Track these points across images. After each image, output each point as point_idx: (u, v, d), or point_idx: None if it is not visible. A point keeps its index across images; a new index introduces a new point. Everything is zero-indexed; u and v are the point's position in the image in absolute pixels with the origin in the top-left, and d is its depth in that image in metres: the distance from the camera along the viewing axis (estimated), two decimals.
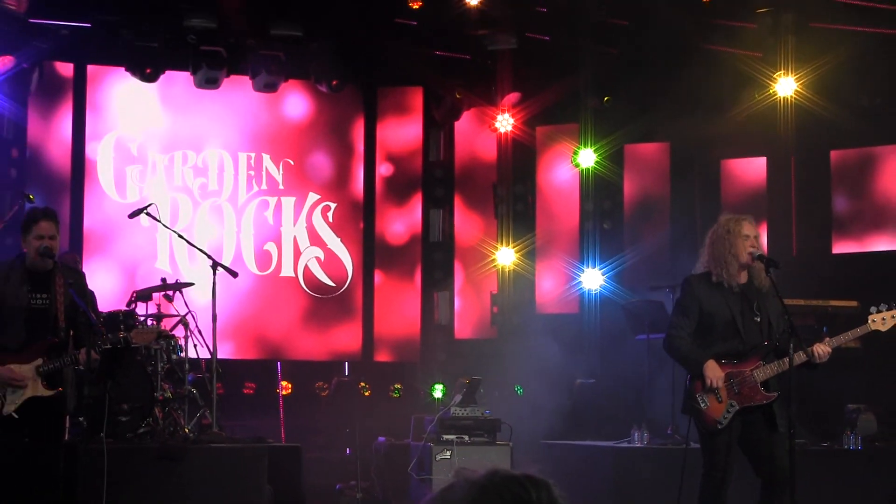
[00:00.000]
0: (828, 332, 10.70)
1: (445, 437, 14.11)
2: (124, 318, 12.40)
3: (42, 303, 10.10)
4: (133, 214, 14.08)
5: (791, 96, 15.70)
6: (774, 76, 15.67)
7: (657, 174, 17.71)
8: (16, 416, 9.96)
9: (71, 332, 10.17)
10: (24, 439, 10.11)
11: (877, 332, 9.73)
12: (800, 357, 9.45)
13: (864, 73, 16.09)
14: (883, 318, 9.65)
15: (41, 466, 10.13)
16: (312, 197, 17.72)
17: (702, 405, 9.56)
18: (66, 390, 10.23)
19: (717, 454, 9.62)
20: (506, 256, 17.44)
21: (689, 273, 10.08)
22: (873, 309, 9.74)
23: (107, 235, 16.68)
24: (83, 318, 10.18)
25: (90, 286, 11.55)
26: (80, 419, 11.89)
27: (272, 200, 17.53)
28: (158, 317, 13.84)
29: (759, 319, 9.70)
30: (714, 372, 9.48)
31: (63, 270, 10.29)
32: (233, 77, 16.75)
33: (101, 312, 12.30)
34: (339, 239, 17.78)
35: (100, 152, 16.82)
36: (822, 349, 9.41)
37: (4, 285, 10.04)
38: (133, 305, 13.91)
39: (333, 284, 17.73)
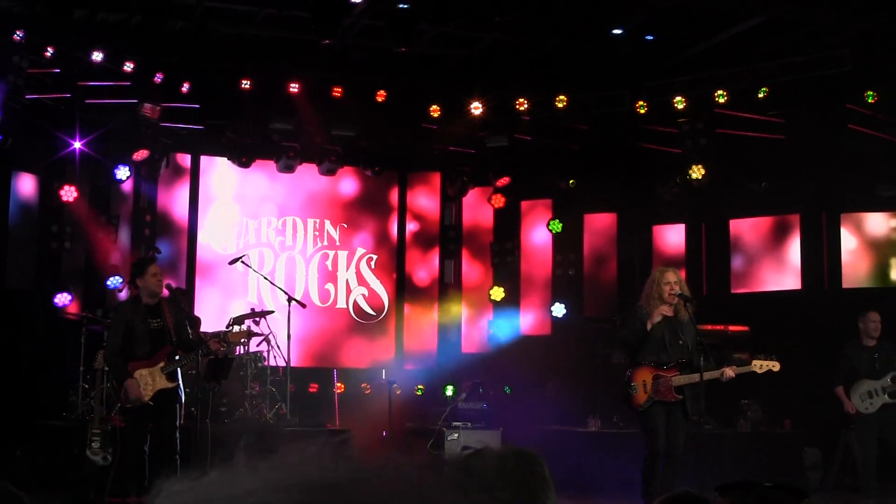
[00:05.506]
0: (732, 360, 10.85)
1: (454, 423, 14.17)
2: (223, 336, 12.49)
3: (157, 324, 10.34)
4: (232, 262, 14.24)
5: (702, 181, 15.74)
6: (691, 166, 15.70)
7: (607, 236, 17.74)
8: (151, 403, 10.17)
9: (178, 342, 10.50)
10: (150, 424, 10.28)
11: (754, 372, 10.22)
12: (712, 375, 9.80)
13: (754, 165, 16.18)
14: (760, 365, 10.17)
15: (165, 442, 10.26)
16: (360, 251, 17.76)
17: (632, 392, 9.98)
18: (180, 385, 10.46)
19: (656, 433, 9.90)
20: (498, 294, 17.43)
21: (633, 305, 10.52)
22: (757, 356, 10.21)
23: (212, 276, 16.74)
24: (184, 335, 10.47)
25: (200, 313, 11.70)
26: (192, 409, 12.00)
27: (331, 253, 17.58)
28: (249, 334, 13.90)
29: (681, 342, 9.96)
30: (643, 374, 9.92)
31: (165, 301, 10.60)
32: (304, 164, 16.80)
33: (207, 333, 12.43)
34: (378, 281, 17.81)
35: (208, 217, 16.92)
36: (729, 373, 9.87)
37: (132, 317, 10.32)
38: (230, 327, 14.00)
39: (374, 314, 17.74)
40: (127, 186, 16.05)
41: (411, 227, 18.19)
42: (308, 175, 17.18)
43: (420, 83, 16.11)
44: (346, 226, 17.71)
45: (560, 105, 15.89)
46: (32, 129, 14.86)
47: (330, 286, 17.50)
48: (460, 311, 18.01)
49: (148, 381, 10.22)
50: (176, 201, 16.81)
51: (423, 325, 17.99)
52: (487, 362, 17.26)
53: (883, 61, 14.50)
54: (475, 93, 15.95)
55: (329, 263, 17.53)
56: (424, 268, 18.24)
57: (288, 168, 16.62)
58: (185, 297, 14.64)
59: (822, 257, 16.35)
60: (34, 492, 11.21)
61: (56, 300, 14.81)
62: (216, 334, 12.33)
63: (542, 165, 17.30)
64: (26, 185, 15.51)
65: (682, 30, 14.54)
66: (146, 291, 10.41)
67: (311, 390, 16.24)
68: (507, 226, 18.00)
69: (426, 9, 13.64)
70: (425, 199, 18.29)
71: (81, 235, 15.41)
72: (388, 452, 13.80)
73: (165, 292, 10.68)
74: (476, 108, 15.93)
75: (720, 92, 15.31)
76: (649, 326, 10.03)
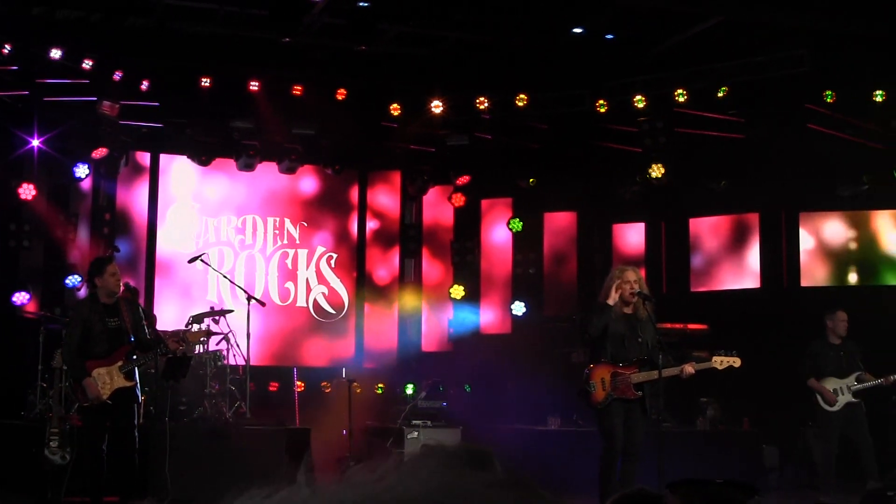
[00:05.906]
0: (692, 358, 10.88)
1: (414, 421, 14.19)
2: (183, 335, 12.46)
3: (115, 323, 10.35)
4: (191, 260, 14.18)
5: (661, 180, 15.85)
6: (651, 165, 15.80)
7: (567, 235, 17.83)
8: (109, 402, 10.17)
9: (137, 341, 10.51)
10: (107, 423, 10.27)
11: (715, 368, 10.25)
12: (672, 371, 9.85)
13: (713, 165, 16.31)
14: (721, 361, 10.18)
15: (123, 441, 10.25)
16: (320, 249, 17.72)
17: (591, 390, 10.03)
18: (138, 384, 10.46)
19: (612, 433, 9.94)
20: (458, 292, 17.46)
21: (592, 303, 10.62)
22: (717, 352, 10.23)
23: (172, 275, 16.66)
24: (141, 334, 10.42)
25: (159, 312, 11.67)
26: (151, 408, 11.98)
27: (291, 251, 17.54)
28: (208, 333, 13.85)
29: (640, 340, 10.01)
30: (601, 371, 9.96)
31: (123, 300, 10.62)
32: (264, 163, 16.75)
33: (167, 331, 12.39)
34: (338, 280, 17.77)
35: (167, 216, 16.84)
36: (688, 370, 9.90)
37: (90, 315, 10.33)
38: (189, 325, 13.95)
39: (334, 312, 17.70)
40: (86, 184, 15.97)
41: (371, 225, 18.18)
42: (268, 173, 17.14)
43: (380, 82, 16.12)
44: (306, 224, 17.67)
45: (520, 104, 15.95)
46: None
47: (290, 285, 17.46)
48: (420, 309, 18.02)
49: (106, 379, 10.21)
50: (135, 199, 16.71)
51: (383, 324, 17.97)
52: (447, 361, 17.29)
53: (842, 62, 14.66)
54: (436, 91, 15.98)
55: (289, 262, 17.49)
56: (384, 266, 18.23)
57: (248, 166, 16.57)
58: (136, 294, 14.57)
59: (780, 257, 16.51)
60: None
61: (14, 299, 14.72)
62: (175, 333, 12.30)
63: (502, 164, 17.34)
64: None
65: (642, 29, 14.63)
66: (104, 291, 10.42)
67: (270, 389, 16.19)
68: (468, 224, 18.05)
69: (386, 8, 13.66)
70: (385, 198, 18.28)
71: (40, 234, 15.31)
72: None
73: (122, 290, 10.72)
74: (436, 106, 15.96)
75: (680, 91, 15.42)
76: (611, 302, 10.06)
